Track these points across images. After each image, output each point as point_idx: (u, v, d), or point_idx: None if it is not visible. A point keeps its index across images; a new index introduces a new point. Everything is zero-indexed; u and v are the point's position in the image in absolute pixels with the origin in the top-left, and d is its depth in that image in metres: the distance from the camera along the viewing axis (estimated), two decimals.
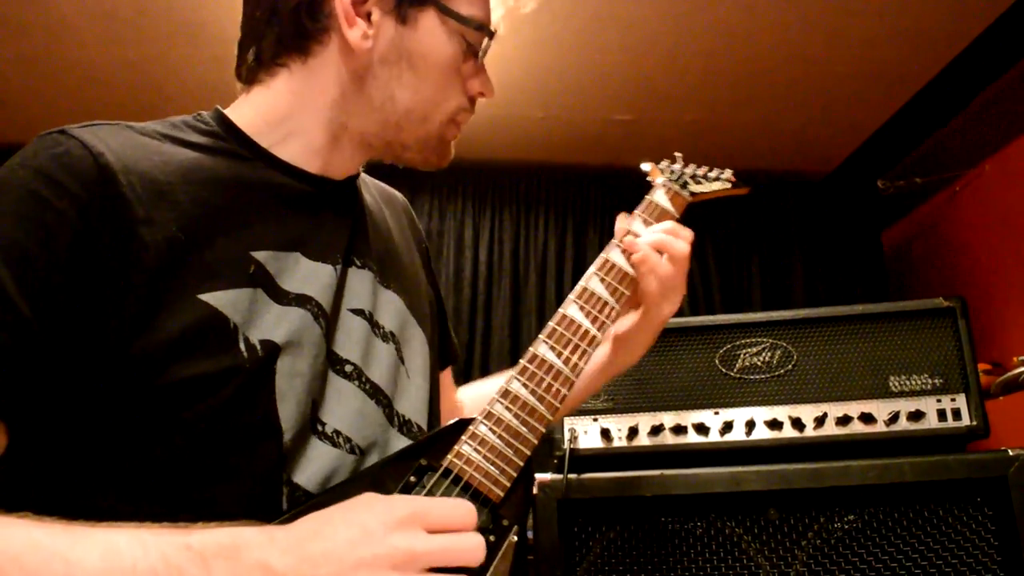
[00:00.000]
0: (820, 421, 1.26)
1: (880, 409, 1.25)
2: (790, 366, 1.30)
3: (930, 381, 1.26)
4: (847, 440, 1.25)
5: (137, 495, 0.68)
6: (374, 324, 0.85)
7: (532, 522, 1.18)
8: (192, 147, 0.79)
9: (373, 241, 0.91)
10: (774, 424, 1.27)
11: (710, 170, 1.11)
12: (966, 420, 1.23)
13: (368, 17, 0.81)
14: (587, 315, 0.89)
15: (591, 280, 0.92)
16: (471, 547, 0.65)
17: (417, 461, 0.75)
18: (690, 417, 1.28)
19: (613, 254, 0.95)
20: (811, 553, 1.17)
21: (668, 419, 1.29)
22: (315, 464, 0.75)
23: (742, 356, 1.31)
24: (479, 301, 3.46)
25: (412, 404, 0.87)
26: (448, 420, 0.82)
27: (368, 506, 0.65)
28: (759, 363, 1.30)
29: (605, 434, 1.29)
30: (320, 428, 0.76)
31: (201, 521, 0.65)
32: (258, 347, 0.72)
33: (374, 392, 0.82)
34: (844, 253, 3.66)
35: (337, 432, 0.77)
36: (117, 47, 2.78)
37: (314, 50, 0.83)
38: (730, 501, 1.20)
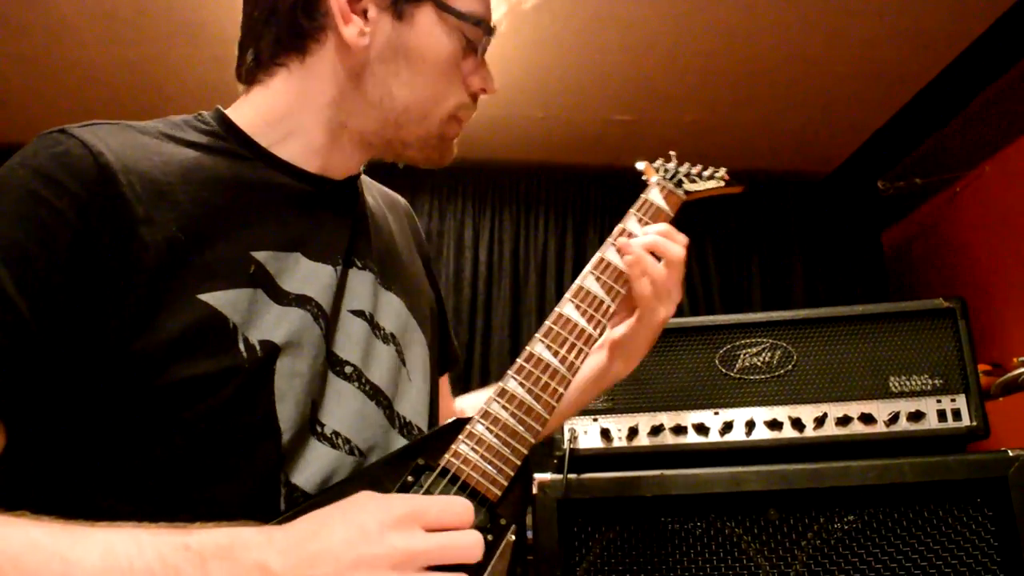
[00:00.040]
0: (820, 421, 1.26)
1: (880, 409, 1.25)
2: (790, 366, 1.30)
3: (930, 382, 1.26)
4: (847, 440, 1.25)
5: (136, 495, 0.68)
6: (375, 325, 0.85)
7: (532, 522, 1.18)
8: (192, 146, 0.78)
9: (374, 242, 0.91)
10: (774, 424, 1.27)
11: (704, 169, 1.12)
12: (966, 421, 1.23)
13: (364, 14, 0.81)
14: (583, 314, 0.88)
15: (587, 279, 0.92)
16: (469, 544, 0.65)
17: (414, 461, 0.75)
18: (690, 417, 1.28)
19: (608, 253, 0.95)
20: (811, 553, 1.17)
21: (668, 419, 1.29)
22: (314, 465, 0.74)
23: (742, 356, 1.31)
24: (479, 301, 3.46)
25: (413, 406, 0.87)
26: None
27: (365, 505, 0.65)
28: (759, 363, 1.30)
29: (605, 434, 1.29)
30: (319, 429, 0.76)
31: (199, 521, 0.65)
32: (257, 347, 0.72)
33: (374, 393, 0.82)
34: (844, 253, 3.66)
35: (336, 433, 0.77)
36: (117, 47, 2.78)
37: (312, 49, 0.82)
38: (730, 501, 1.20)
